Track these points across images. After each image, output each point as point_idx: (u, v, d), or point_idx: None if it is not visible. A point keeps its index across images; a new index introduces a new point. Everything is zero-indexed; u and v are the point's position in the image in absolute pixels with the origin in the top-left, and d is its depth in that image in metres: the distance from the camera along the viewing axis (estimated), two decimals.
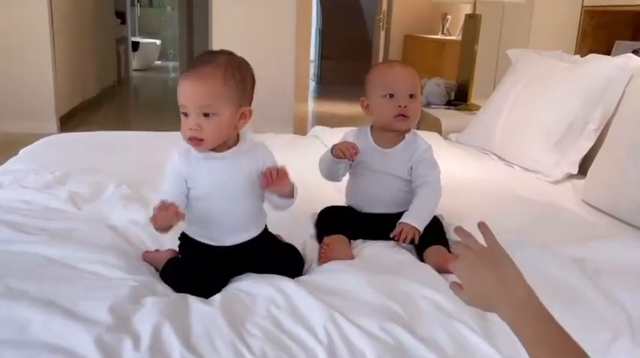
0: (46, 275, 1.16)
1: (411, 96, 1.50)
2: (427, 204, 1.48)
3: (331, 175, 1.59)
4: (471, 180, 2.06)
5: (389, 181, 1.53)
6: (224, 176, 1.23)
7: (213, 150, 1.22)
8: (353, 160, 1.50)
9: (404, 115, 1.49)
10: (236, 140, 1.25)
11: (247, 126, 1.26)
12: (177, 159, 1.23)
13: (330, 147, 1.55)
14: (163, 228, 1.15)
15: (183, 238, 1.31)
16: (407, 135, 1.55)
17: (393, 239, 1.44)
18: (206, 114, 1.16)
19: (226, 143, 1.23)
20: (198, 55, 1.22)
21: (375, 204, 1.55)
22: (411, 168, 1.52)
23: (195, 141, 1.18)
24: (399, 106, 1.48)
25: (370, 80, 1.55)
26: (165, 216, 1.11)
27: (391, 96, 1.49)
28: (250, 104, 1.23)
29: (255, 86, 1.25)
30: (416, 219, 1.43)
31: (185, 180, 1.23)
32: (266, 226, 1.35)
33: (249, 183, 1.25)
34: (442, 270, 1.28)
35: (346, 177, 1.62)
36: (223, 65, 1.17)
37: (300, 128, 5.02)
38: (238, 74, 1.18)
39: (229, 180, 1.23)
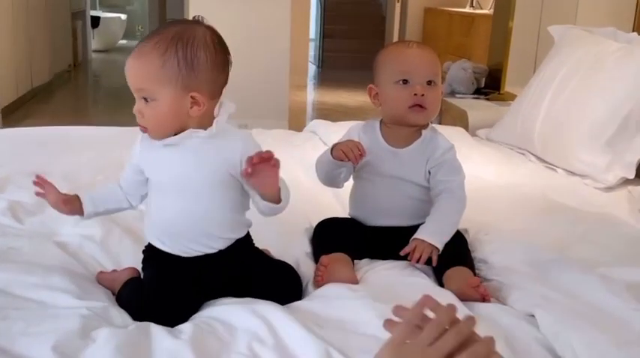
0: None
1: (430, 83, 1.50)
2: (448, 217, 1.48)
3: (331, 180, 1.58)
4: (504, 186, 2.06)
5: (401, 188, 1.53)
6: (185, 167, 1.24)
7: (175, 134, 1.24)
8: (357, 163, 1.50)
9: (420, 106, 1.49)
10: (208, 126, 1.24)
11: (225, 113, 1.25)
12: (138, 141, 1.29)
13: (330, 146, 1.55)
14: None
15: (148, 250, 1.32)
16: (424, 131, 1.55)
17: (405, 258, 1.43)
18: (146, 100, 1.21)
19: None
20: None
21: (384, 215, 1.54)
22: (429, 172, 1.52)
23: (142, 128, 1.24)
24: (415, 94, 1.48)
25: (380, 63, 1.55)
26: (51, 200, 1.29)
27: (405, 82, 1.50)
28: (211, 90, 1.22)
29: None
30: (434, 235, 1.43)
31: (140, 168, 1.29)
32: (249, 235, 1.34)
33: (214, 178, 1.24)
34: (465, 297, 1.28)
35: (349, 183, 1.62)
36: (167, 40, 1.18)
37: (298, 122, 5.01)
38: (183, 52, 1.18)
39: (191, 173, 1.24)
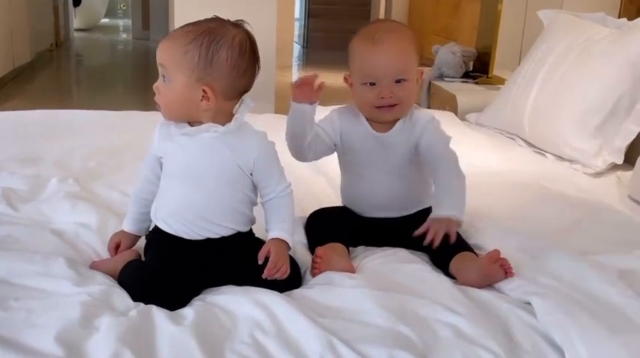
0: None
1: (399, 81, 1.45)
2: (454, 185, 1.42)
3: (297, 144, 1.49)
4: (495, 171, 2.08)
5: (392, 178, 1.52)
6: (195, 157, 1.30)
7: (191, 125, 1.30)
8: (316, 95, 1.42)
9: (389, 105, 1.46)
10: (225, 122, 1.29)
11: (244, 111, 1.31)
12: (157, 129, 1.35)
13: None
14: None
15: (153, 232, 1.36)
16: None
17: (406, 244, 1.44)
18: (163, 78, 1.28)
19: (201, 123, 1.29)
20: None
21: (377, 208, 1.53)
22: (415, 147, 1.49)
23: (157, 105, 1.31)
24: (382, 97, 1.45)
25: (350, 58, 1.51)
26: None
27: (372, 84, 1.46)
28: (226, 90, 1.27)
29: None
30: (449, 207, 1.38)
31: (158, 157, 1.35)
32: (252, 231, 1.37)
33: (223, 172, 1.30)
34: (488, 278, 1.29)
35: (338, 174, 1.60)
36: (197, 32, 1.25)
37: (284, 103, 4.99)
38: (206, 47, 1.24)
39: (200, 164, 1.29)
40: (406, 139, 1.51)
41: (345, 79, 1.54)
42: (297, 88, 1.41)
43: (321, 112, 2.50)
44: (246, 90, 1.31)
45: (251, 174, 1.32)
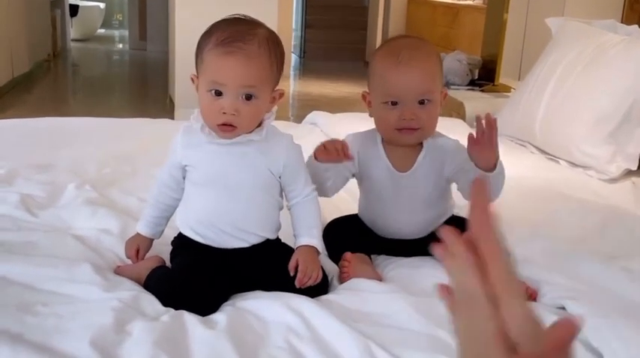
0: (6, 301, 1.13)
1: (422, 102, 1.38)
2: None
3: (317, 188, 1.40)
4: (510, 177, 2.05)
5: (414, 209, 1.47)
6: (226, 164, 1.27)
7: None
8: (342, 161, 1.38)
9: (410, 128, 1.40)
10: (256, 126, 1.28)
11: (272, 116, 1.30)
12: (179, 138, 1.31)
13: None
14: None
15: (179, 238, 1.34)
16: (425, 142, 1.46)
17: (422, 253, 1.42)
18: (248, 98, 1.22)
19: None
20: (228, 21, 1.26)
21: (397, 234, 1.50)
22: (439, 175, 1.45)
23: (228, 127, 1.23)
24: (404, 119, 1.39)
25: (370, 75, 1.46)
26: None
27: (394, 103, 1.40)
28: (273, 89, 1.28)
29: None
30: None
31: (181, 165, 1.31)
32: (279, 238, 1.36)
33: (257, 179, 1.29)
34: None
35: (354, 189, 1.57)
36: (266, 42, 1.23)
37: (283, 113, 4.99)
38: (277, 53, 1.25)
39: (231, 171, 1.27)
40: (428, 174, 1.45)
41: (363, 97, 1.48)
42: (324, 153, 1.37)
43: (337, 120, 2.52)
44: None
45: (279, 178, 1.31)
